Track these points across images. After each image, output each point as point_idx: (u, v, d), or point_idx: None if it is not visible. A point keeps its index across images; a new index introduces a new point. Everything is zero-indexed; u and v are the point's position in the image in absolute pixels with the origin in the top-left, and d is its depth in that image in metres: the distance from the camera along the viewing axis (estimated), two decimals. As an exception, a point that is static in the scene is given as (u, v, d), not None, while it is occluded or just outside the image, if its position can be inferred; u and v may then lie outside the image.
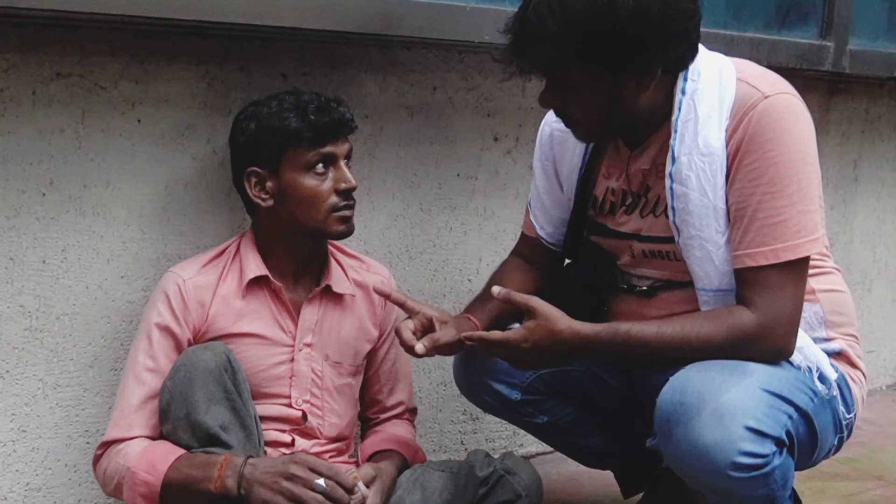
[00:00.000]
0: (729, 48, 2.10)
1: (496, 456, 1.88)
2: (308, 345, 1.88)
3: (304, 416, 1.87)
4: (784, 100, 1.63)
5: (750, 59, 1.77)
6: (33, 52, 1.81)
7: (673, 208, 1.67)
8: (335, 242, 1.95)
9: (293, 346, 1.86)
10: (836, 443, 1.75)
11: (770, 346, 1.61)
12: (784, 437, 1.54)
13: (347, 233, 1.84)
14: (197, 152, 2.00)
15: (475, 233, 2.43)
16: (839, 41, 2.88)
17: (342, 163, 1.82)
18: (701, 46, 1.68)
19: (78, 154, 1.88)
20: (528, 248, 2.02)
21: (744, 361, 1.58)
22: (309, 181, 1.79)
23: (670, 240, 1.71)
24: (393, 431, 2.00)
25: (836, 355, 1.76)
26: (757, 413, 1.51)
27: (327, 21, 1.96)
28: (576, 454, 2.11)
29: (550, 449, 2.25)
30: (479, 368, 1.92)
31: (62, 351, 1.92)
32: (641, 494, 2.11)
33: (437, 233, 2.37)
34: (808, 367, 1.65)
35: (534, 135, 1.99)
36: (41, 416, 1.92)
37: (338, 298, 1.91)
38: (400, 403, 2.04)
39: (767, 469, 1.51)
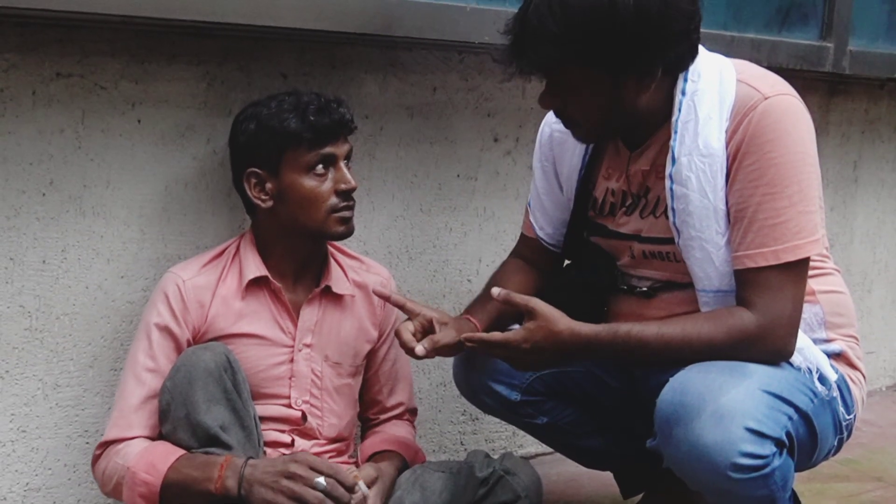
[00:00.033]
0: (729, 49, 2.11)
1: (496, 456, 1.88)
2: (308, 345, 1.88)
3: (304, 416, 1.87)
4: (784, 101, 1.63)
5: (750, 59, 1.77)
6: (33, 52, 1.80)
7: (673, 209, 1.67)
8: (335, 243, 1.95)
9: (293, 346, 1.86)
10: (835, 444, 1.75)
11: (770, 347, 1.61)
12: (784, 438, 1.55)
13: (347, 233, 1.84)
14: (197, 152, 2.00)
15: (475, 233, 2.43)
16: (839, 42, 2.89)
17: (342, 163, 1.82)
18: (701, 47, 1.68)
19: (78, 154, 1.88)
20: (527, 249, 2.02)
21: (744, 362, 1.58)
22: (309, 182, 1.79)
23: (670, 241, 1.71)
24: (393, 432, 2.00)
25: (836, 356, 1.76)
26: (757, 414, 1.51)
27: (327, 21, 1.96)
28: (575, 455, 2.11)
29: (550, 450, 2.24)
30: (479, 369, 1.92)
31: (62, 351, 1.92)
32: (641, 495, 2.11)
33: (437, 233, 2.37)
34: (808, 369, 1.65)
35: (534, 135, 1.99)
36: (41, 416, 1.91)
37: (337, 299, 1.91)
38: (400, 404, 2.04)
39: (767, 470, 1.51)
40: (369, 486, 1.74)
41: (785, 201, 1.59)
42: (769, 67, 1.74)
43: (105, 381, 1.96)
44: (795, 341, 1.63)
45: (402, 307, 1.85)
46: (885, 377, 3.43)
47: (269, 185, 1.81)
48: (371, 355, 1.99)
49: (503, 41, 1.65)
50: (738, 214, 1.62)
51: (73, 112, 1.86)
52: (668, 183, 1.67)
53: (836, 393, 1.68)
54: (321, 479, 1.64)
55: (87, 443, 1.95)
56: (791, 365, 1.64)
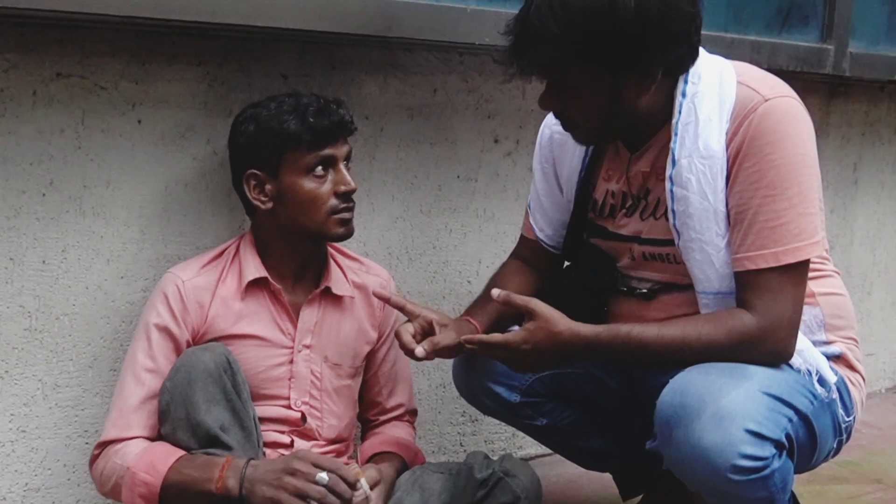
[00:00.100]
0: (729, 51, 2.10)
1: (495, 458, 1.88)
2: (307, 346, 1.87)
3: (303, 417, 1.87)
4: (784, 103, 1.63)
5: (750, 61, 1.77)
6: (34, 53, 1.80)
7: (673, 211, 1.67)
8: (335, 244, 1.95)
9: (292, 347, 1.86)
10: (835, 446, 1.75)
11: (770, 349, 1.61)
12: (784, 439, 1.55)
13: (347, 235, 1.84)
14: (197, 153, 2.00)
15: (475, 235, 2.43)
16: (839, 44, 2.89)
17: (342, 165, 1.82)
18: (701, 49, 1.68)
19: (78, 154, 1.88)
20: (527, 251, 2.02)
21: (744, 364, 1.58)
22: (308, 184, 1.79)
23: (670, 242, 1.71)
24: (393, 433, 2.00)
25: (836, 359, 1.76)
26: (757, 416, 1.51)
27: (328, 22, 1.96)
28: (575, 456, 2.10)
29: (549, 451, 2.24)
30: (479, 371, 1.92)
31: (62, 351, 1.92)
32: (640, 497, 2.11)
33: (437, 234, 2.37)
34: (808, 371, 1.65)
35: (534, 137, 1.99)
36: (40, 416, 1.91)
37: (337, 300, 1.91)
38: (400, 405, 2.04)
39: (767, 472, 1.51)
40: (372, 488, 1.74)
41: (785, 203, 1.59)
42: (769, 69, 1.74)
43: (104, 382, 1.96)
44: (795, 343, 1.63)
45: (401, 309, 1.86)
46: (885, 379, 3.43)
47: (268, 187, 1.81)
48: (370, 356, 1.99)
49: (504, 42, 1.65)
50: (739, 216, 1.62)
51: (74, 112, 1.86)
52: (668, 185, 1.67)
53: (835, 395, 1.68)
54: (323, 475, 1.63)
55: (87, 443, 1.95)
56: (791, 367, 1.64)
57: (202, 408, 1.68)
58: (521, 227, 2.05)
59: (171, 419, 1.70)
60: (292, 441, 1.86)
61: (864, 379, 1.81)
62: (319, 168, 1.79)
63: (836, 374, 1.71)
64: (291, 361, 1.86)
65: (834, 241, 3.13)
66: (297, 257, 1.86)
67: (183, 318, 1.79)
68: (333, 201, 1.80)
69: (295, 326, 1.86)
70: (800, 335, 1.64)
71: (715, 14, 2.66)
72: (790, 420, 1.57)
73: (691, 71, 1.67)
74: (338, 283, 1.91)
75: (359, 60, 2.17)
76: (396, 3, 2.04)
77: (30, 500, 1.92)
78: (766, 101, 1.61)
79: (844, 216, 3.19)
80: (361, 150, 2.17)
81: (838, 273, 1.84)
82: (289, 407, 1.86)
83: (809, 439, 1.64)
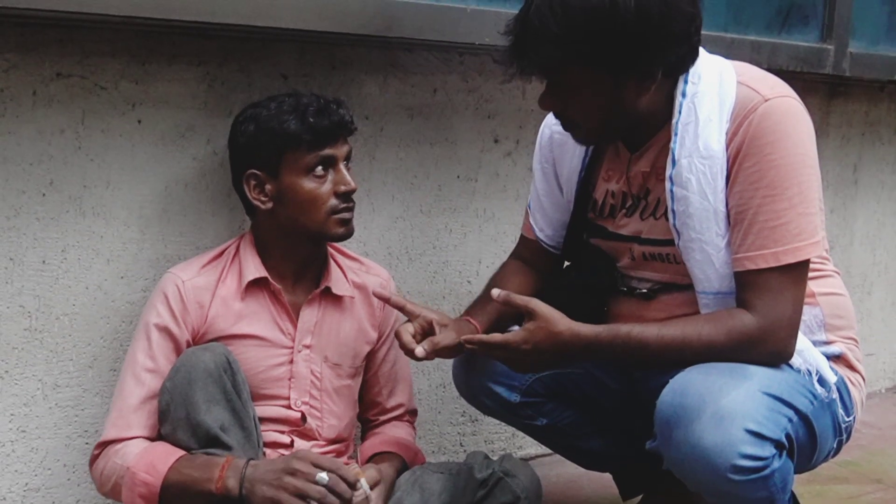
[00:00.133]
0: (729, 51, 2.10)
1: (495, 458, 1.88)
2: (307, 346, 1.87)
3: (303, 417, 1.87)
4: (784, 103, 1.63)
5: (750, 61, 1.77)
6: (34, 53, 1.80)
7: (673, 211, 1.67)
8: (335, 244, 1.95)
9: (292, 347, 1.86)
10: (835, 446, 1.75)
11: (770, 349, 1.61)
12: (784, 439, 1.55)
13: (347, 235, 1.84)
14: (197, 153, 2.00)
15: (475, 235, 2.43)
16: (839, 44, 2.89)
17: (341, 165, 1.82)
18: (701, 49, 1.68)
19: (78, 154, 1.88)
20: (527, 251, 2.02)
21: (744, 364, 1.58)
22: (308, 184, 1.79)
23: (670, 242, 1.71)
24: (393, 433, 2.00)
25: (836, 359, 1.76)
26: (757, 416, 1.51)
27: (328, 22, 1.96)
28: (575, 456, 2.10)
29: (549, 451, 2.24)
30: (479, 371, 1.92)
31: (62, 351, 1.92)
32: (640, 497, 2.11)
33: (437, 235, 2.37)
34: (808, 371, 1.65)
35: (534, 137, 1.99)
36: (40, 416, 1.91)
37: (337, 300, 1.91)
38: (400, 405, 2.04)
39: (767, 472, 1.51)
40: (372, 488, 1.74)
41: (785, 203, 1.59)
42: (769, 69, 1.74)
43: (104, 382, 1.96)
44: (795, 343, 1.63)
45: (401, 309, 1.86)
46: (885, 379, 3.43)
47: (268, 187, 1.81)
48: (370, 357, 1.99)
49: (504, 42, 1.65)
50: (739, 216, 1.62)
51: (74, 112, 1.86)
52: (668, 185, 1.67)
53: (835, 395, 1.68)
54: (323, 475, 1.63)
55: (87, 443, 1.95)
56: (791, 367, 1.64)
57: (202, 408, 1.68)
58: (520, 227, 2.05)
59: (171, 419, 1.70)
60: (292, 441, 1.86)
61: (864, 379, 1.81)
62: (319, 168, 1.79)
63: (836, 374, 1.71)
64: (291, 361, 1.86)
65: (834, 242, 3.13)
66: (297, 257, 1.86)
67: (183, 318, 1.79)
68: (333, 201, 1.80)
69: (295, 326, 1.86)
70: (800, 335, 1.64)
71: (715, 14, 2.66)
72: (790, 420, 1.57)
73: (691, 71, 1.67)
74: (338, 283, 1.91)
75: (359, 60, 2.17)
76: (396, 3, 2.04)
77: (30, 500, 1.92)
78: (767, 101, 1.61)
79: (844, 216, 3.19)
80: (361, 151, 2.17)
81: (838, 273, 1.84)
82: (289, 407, 1.86)
83: (809, 439, 1.64)
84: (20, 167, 1.83)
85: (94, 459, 1.77)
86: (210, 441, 1.69)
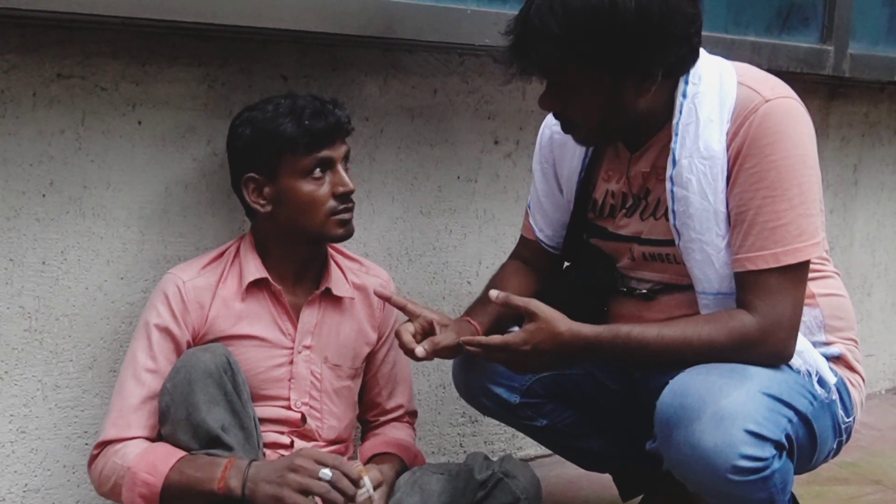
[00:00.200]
0: (729, 52, 2.10)
1: (495, 459, 1.88)
2: (307, 347, 1.87)
3: (303, 418, 1.87)
4: (784, 103, 1.63)
5: (750, 62, 1.77)
6: (34, 54, 1.81)
7: (673, 211, 1.67)
8: (335, 245, 1.95)
9: (292, 348, 1.86)
10: (835, 447, 1.75)
11: (770, 350, 1.61)
12: (784, 440, 1.55)
13: (346, 236, 1.84)
14: (197, 154, 2.00)
15: (475, 235, 2.43)
16: (839, 45, 2.89)
17: (340, 166, 1.81)
18: (702, 50, 1.68)
19: (78, 155, 1.88)
20: (527, 251, 2.02)
21: (744, 365, 1.58)
22: (306, 186, 1.78)
23: (670, 243, 1.71)
24: (392, 434, 2.00)
25: (836, 359, 1.76)
26: (757, 416, 1.51)
27: (328, 23, 1.96)
28: (575, 457, 2.10)
29: (549, 452, 2.24)
30: (479, 372, 1.92)
31: (61, 352, 1.92)
32: (640, 497, 2.11)
33: (437, 235, 2.37)
34: (808, 371, 1.65)
35: (534, 138, 1.99)
36: (40, 417, 1.91)
37: (337, 301, 1.91)
38: (400, 406, 2.04)
39: (767, 472, 1.51)
40: (375, 489, 1.74)
41: (785, 204, 1.59)
42: (769, 70, 1.74)
43: (104, 383, 1.96)
44: (795, 344, 1.63)
45: (402, 308, 1.86)
46: (885, 380, 3.43)
47: (266, 190, 1.80)
48: (370, 357, 1.99)
49: (504, 43, 1.65)
50: (739, 217, 1.62)
51: (74, 113, 1.86)
52: (668, 185, 1.67)
53: (835, 396, 1.69)
54: (326, 471, 1.63)
55: (87, 444, 1.95)
56: (791, 368, 1.64)
57: (202, 408, 1.68)
58: (520, 228, 2.05)
59: (172, 420, 1.70)
60: (292, 442, 1.86)
61: (863, 380, 1.81)
62: (317, 170, 1.79)
63: (835, 375, 1.71)
64: (291, 362, 1.86)
65: (834, 243, 3.13)
66: (297, 258, 1.86)
67: (183, 319, 1.79)
68: (332, 203, 1.80)
69: (295, 327, 1.86)
70: (800, 336, 1.65)
71: (715, 15, 2.66)
72: (790, 421, 1.57)
73: (692, 72, 1.67)
74: (338, 284, 1.91)
75: (359, 62, 2.17)
76: (397, 4, 2.04)
77: (29, 500, 1.92)
78: (767, 101, 1.61)
79: (844, 217, 3.19)
80: (361, 152, 2.17)
81: (838, 274, 1.84)
82: (289, 408, 1.86)
83: (809, 440, 1.64)
84: (20, 168, 1.83)
85: (93, 459, 1.77)
86: (210, 441, 1.69)
